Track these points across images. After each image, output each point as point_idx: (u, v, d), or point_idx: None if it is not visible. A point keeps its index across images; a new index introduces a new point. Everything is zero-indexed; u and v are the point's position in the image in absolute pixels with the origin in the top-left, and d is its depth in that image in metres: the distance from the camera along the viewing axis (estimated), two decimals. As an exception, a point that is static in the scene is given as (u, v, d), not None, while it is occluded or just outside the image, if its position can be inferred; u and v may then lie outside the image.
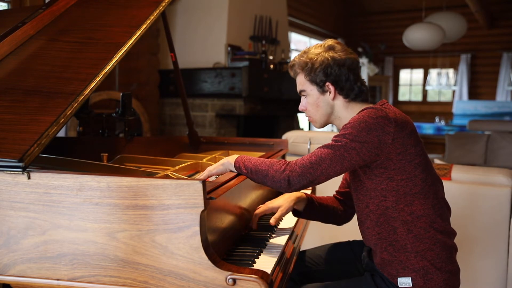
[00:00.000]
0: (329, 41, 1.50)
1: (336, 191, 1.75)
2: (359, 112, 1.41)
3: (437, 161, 4.00)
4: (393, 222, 1.38)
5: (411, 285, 1.36)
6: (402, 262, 1.37)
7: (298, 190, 1.38)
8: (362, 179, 1.42)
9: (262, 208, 1.56)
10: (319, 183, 1.36)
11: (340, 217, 1.71)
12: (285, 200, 1.58)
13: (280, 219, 1.57)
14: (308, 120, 1.56)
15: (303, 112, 1.55)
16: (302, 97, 1.54)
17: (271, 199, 1.60)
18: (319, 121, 1.52)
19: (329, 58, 1.45)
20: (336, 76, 1.45)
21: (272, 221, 1.51)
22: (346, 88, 1.46)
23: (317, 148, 1.38)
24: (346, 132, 1.34)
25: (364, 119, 1.34)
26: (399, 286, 1.37)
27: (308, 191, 2.14)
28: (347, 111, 1.48)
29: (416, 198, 1.36)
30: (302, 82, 1.51)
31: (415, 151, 1.36)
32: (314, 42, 8.56)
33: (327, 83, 1.46)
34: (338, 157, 1.33)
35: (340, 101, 1.48)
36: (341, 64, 1.45)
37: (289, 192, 1.68)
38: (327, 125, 1.57)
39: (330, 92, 1.47)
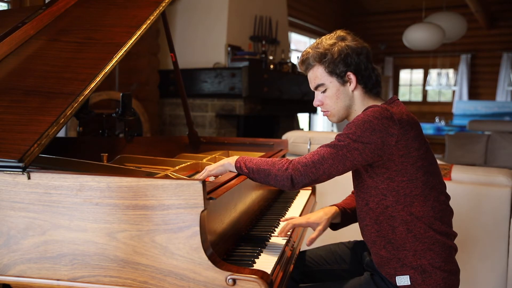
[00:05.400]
0: (339, 32, 1.46)
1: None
2: (364, 110, 1.39)
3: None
4: (393, 221, 1.38)
5: (409, 283, 1.36)
6: (401, 260, 1.37)
7: (301, 188, 1.37)
8: (364, 177, 1.42)
9: (300, 221, 1.51)
10: (321, 182, 1.36)
11: None
12: (321, 218, 1.53)
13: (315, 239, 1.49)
14: (325, 115, 1.50)
15: (319, 106, 1.49)
16: (317, 92, 1.48)
17: (271, 199, 1.59)
18: (338, 114, 1.47)
19: (347, 47, 1.41)
20: (357, 65, 1.41)
21: (308, 243, 1.47)
22: (365, 77, 1.43)
23: (320, 147, 1.37)
24: (350, 131, 1.33)
25: (369, 119, 1.32)
26: (398, 284, 1.37)
27: (308, 191, 2.15)
28: (362, 104, 1.45)
29: (416, 199, 1.36)
30: (319, 75, 1.44)
31: (418, 154, 1.35)
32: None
33: (349, 73, 1.42)
34: (340, 157, 1.32)
35: (359, 91, 1.44)
36: (358, 52, 1.41)
37: (291, 191, 1.66)
38: (343, 120, 1.50)
39: (350, 83, 1.43)
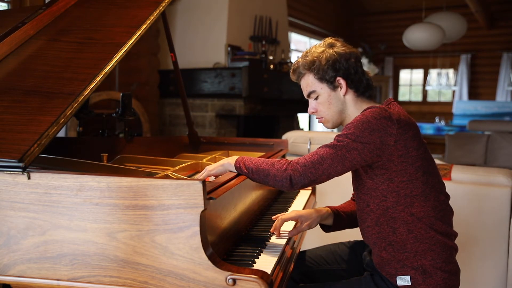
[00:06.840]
0: (328, 39, 1.50)
1: (353, 194, 1.75)
2: (363, 111, 1.40)
3: (437, 161, 3.99)
4: (393, 222, 1.38)
5: (410, 283, 1.36)
6: (401, 261, 1.37)
7: (300, 189, 1.38)
8: (363, 178, 1.42)
9: (290, 215, 1.52)
10: (320, 182, 1.36)
11: None
12: (312, 214, 1.55)
13: (300, 232, 1.53)
14: (320, 121, 1.53)
15: (313, 114, 1.52)
16: (310, 100, 1.51)
17: (271, 199, 1.59)
18: (332, 120, 1.50)
19: (335, 53, 1.44)
20: (346, 70, 1.44)
21: (289, 234, 1.49)
22: (356, 81, 1.46)
23: (319, 148, 1.37)
24: (349, 132, 1.34)
25: (367, 119, 1.33)
26: (398, 284, 1.37)
27: (308, 191, 2.15)
28: (355, 108, 1.47)
29: (416, 200, 1.36)
30: (310, 82, 1.48)
31: (417, 154, 1.35)
32: (314, 42, 8.56)
33: (338, 78, 1.45)
34: (339, 157, 1.32)
35: (350, 96, 1.47)
36: (347, 57, 1.45)
37: (291, 191, 1.67)
38: (338, 126, 1.53)
39: (341, 87, 1.46)
